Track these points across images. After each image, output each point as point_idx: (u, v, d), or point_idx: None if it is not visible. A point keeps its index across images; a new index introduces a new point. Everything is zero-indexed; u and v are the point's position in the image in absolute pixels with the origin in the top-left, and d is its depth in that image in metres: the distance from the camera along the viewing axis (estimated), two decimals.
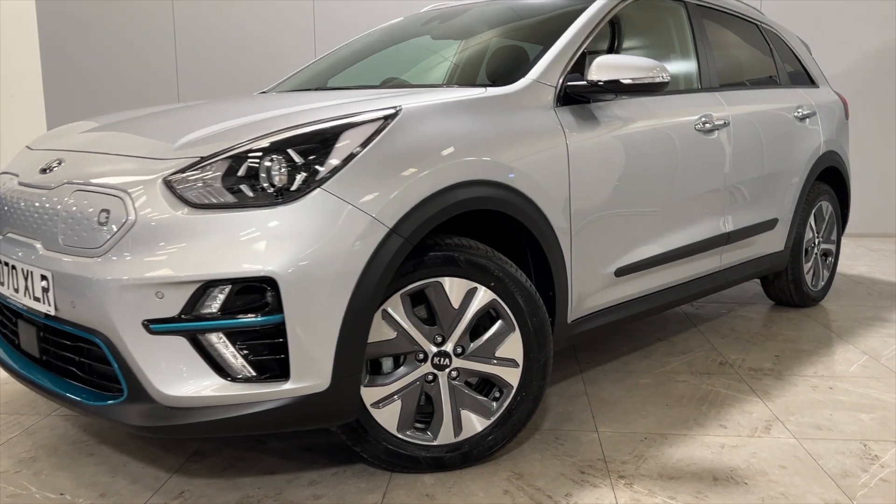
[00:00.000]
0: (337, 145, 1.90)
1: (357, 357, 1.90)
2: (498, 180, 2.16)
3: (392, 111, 2.03)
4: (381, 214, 1.88)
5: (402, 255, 1.93)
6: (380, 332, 2.05)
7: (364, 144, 1.93)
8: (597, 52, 2.69)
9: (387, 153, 1.95)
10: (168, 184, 1.85)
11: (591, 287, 2.60)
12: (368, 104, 2.10)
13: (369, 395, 2.08)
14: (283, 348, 1.81)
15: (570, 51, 2.57)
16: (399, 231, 1.91)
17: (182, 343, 1.80)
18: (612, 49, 2.96)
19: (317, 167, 1.87)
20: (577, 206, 2.44)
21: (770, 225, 3.57)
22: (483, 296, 2.14)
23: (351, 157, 1.90)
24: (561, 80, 2.49)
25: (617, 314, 2.76)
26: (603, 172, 2.54)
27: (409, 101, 2.12)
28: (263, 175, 1.85)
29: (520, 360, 2.21)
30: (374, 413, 2.10)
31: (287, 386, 1.83)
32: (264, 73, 6.19)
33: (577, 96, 2.53)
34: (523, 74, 2.47)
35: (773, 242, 3.66)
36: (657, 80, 2.47)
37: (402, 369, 2.12)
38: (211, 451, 2.32)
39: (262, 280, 1.78)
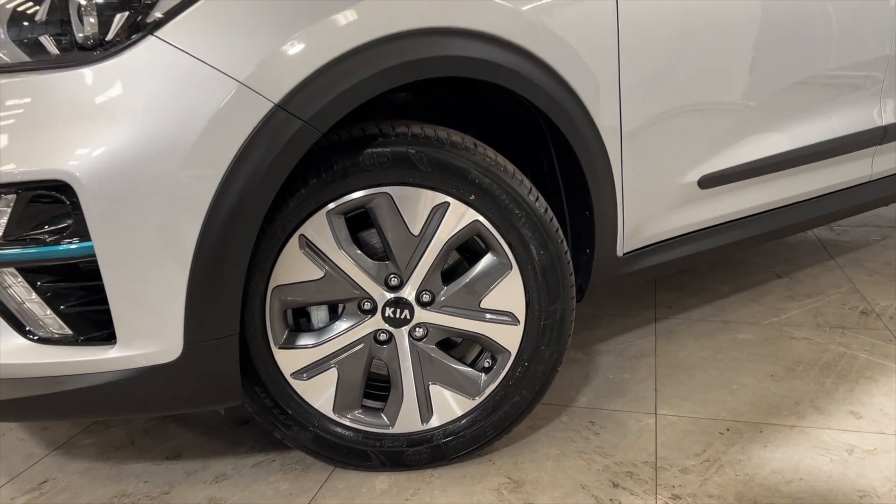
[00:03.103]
0: None
1: (228, 308, 1.22)
2: (489, 31, 1.34)
3: None
4: (256, 78, 1.14)
5: (300, 149, 1.20)
6: (299, 269, 1.35)
7: None
8: None
9: None
10: None
11: (657, 204, 1.75)
12: None
13: (288, 360, 1.41)
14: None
15: None
16: (291, 107, 1.17)
17: None
18: None
19: (148, 3, 1.15)
20: (632, 80, 1.58)
21: None
22: (458, 214, 1.38)
23: None
24: None
25: (701, 244, 1.90)
26: (673, 37, 1.64)
27: None
28: (70, 19, 1.15)
29: (520, 315, 1.45)
30: (297, 386, 1.43)
31: (113, 353, 1.17)
32: None
33: None
34: None
35: None
36: None
37: (338, 324, 1.43)
38: (119, 420, 1.75)
39: (56, 187, 1.11)
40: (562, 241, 1.44)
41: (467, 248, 1.46)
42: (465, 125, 1.65)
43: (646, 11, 1.57)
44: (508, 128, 1.65)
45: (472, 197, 1.37)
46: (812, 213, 2.18)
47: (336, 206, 1.34)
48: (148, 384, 1.20)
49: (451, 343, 1.53)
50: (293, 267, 1.35)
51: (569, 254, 1.47)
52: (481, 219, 1.39)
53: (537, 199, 1.41)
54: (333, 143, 1.32)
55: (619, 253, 1.72)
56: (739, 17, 1.77)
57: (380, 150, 1.33)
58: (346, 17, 1.19)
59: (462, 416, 1.48)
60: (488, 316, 1.44)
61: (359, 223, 1.41)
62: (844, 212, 2.31)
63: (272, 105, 1.16)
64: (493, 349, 1.48)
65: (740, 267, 2.65)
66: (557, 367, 1.50)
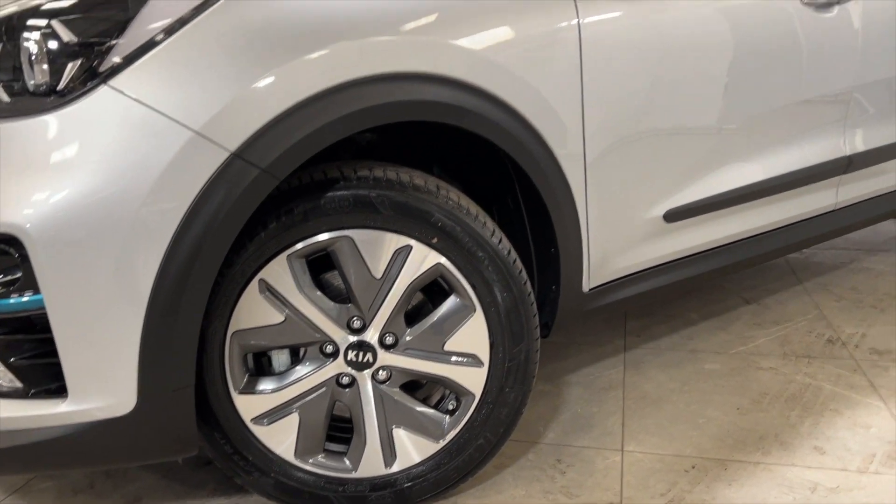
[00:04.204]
0: (141, 14, 1.15)
1: (184, 358, 1.20)
2: (447, 74, 1.34)
3: None
4: (212, 127, 1.13)
5: (258, 196, 1.19)
6: (259, 313, 1.34)
7: (193, 13, 1.16)
8: None
9: (234, 26, 1.18)
10: None
11: (622, 239, 1.76)
12: None
13: (248, 406, 1.38)
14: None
15: None
16: (248, 155, 1.15)
17: None
18: None
19: (102, 50, 1.13)
20: (596, 118, 1.58)
21: None
22: (421, 257, 1.37)
23: (159, 39, 1.14)
24: None
25: (668, 277, 1.90)
26: (642, 67, 1.65)
27: None
28: (21, 64, 1.13)
29: (484, 357, 1.44)
30: (258, 432, 1.40)
31: (64, 407, 1.15)
32: None
33: None
34: None
35: None
36: None
37: (300, 368, 1.41)
38: None
39: (4, 240, 1.09)
40: (525, 283, 1.44)
41: (431, 289, 1.45)
42: (434, 161, 1.65)
43: (611, 51, 1.58)
44: (475, 164, 1.65)
45: (435, 240, 1.36)
46: (779, 243, 2.20)
47: (297, 250, 1.33)
48: (101, 437, 1.17)
49: (416, 384, 1.52)
50: (253, 311, 1.33)
51: (532, 295, 1.46)
52: (444, 261, 1.38)
53: (500, 241, 1.41)
54: (294, 186, 1.31)
55: (585, 289, 1.72)
56: (705, 53, 1.78)
57: (341, 193, 1.32)
58: (302, 65, 1.18)
59: (426, 459, 1.47)
60: (452, 358, 1.43)
61: (321, 264, 1.39)
62: (810, 241, 2.34)
63: (228, 154, 1.14)
64: (457, 391, 1.47)
65: (709, 292, 2.66)
66: (522, 409, 1.49)
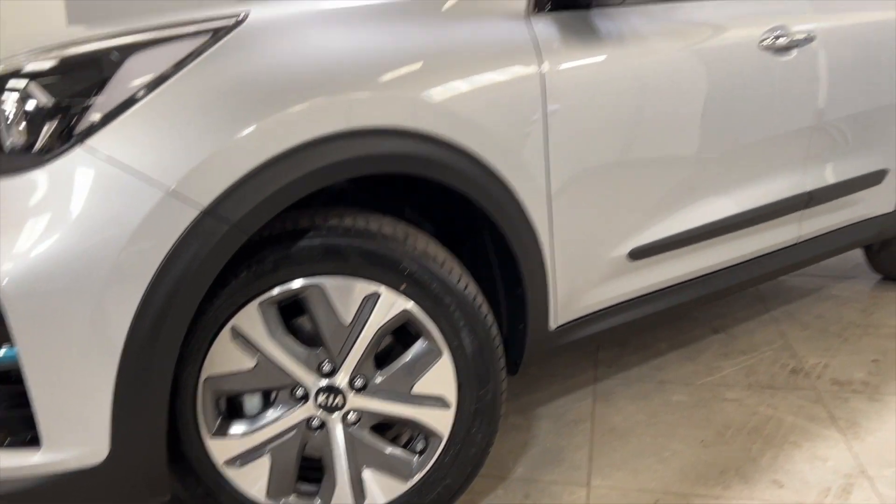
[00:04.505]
0: (116, 77, 1.19)
1: (156, 407, 1.23)
2: (411, 127, 1.39)
3: (227, 22, 1.29)
4: (185, 185, 1.17)
5: (229, 250, 1.23)
6: (231, 359, 1.37)
7: (167, 75, 1.21)
8: None
9: (207, 87, 1.23)
10: None
11: (589, 277, 1.81)
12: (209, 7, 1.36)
13: (221, 449, 1.42)
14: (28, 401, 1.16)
15: None
16: (220, 212, 1.20)
17: None
18: None
19: (77, 112, 1.17)
20: (561, 161, 1.64)
21: (876, 178, 2.60)
22: (390, 303, 1.41)
23: (137, 97, 1.19)
24: None
25: (634, 312, 1.96)
26: (605, 111, 1.71)
27: (273, 2, 1.38)
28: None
29: (451, 399, 1.49)
30: (230, 474, 1.44)
31: (37, 458, 1.18)
32: None
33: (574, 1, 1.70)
34: None
35: (880, 201, 2.69)
36: None
37: (271, 412, 1.45)
38: None
39: None
40: (491, 326, 1.49)
41: (401, 332, 1.49)
42: (407, 203, 1.70)
43: (575, 97, 1.64)
44: (448, 206, 1.70)
45: (403, 286, 1.41)
46: (744, 276, 2.27)
47: (268, 298, 1.37)
48: (74, 487, 1.20)
49: (386, 423, 1.56)
50: (225, 357, 1.37)
51: (499, 337, 1.51)
52: (412, 307, 1.42)
53: (466, 286, 1.46)
54: (265, 236, 1.35)
55: (552, 326, 1.77)
56: (667, 96, 1.85)
57: (311, 242, 1.36)
58: (268, 126, 1.23)
59: (395, 499, 1.50)
60: (420, 400, 1.48)
61: (293, 308, 1.43)
62: (775, 273, 2.40)
63: (200, 211, 1.19)
64: (425, 432, 1.51)
65: (679, 321, 2.72)
66: (489, 449, 1.54)
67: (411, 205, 1.74)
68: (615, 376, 2.31)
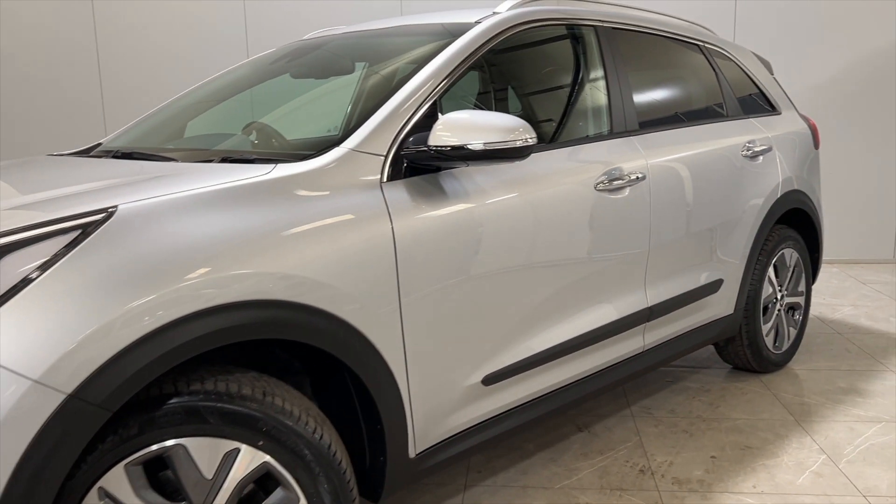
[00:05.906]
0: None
1: None
2: (270, 297, 1.57)
3: (97, 217, 1.45)
4: (50, 373, 1.30)
5: (93, 427, 1.36)
6: None
7: (38, 270, 1.35)
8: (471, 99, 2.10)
9: (77, 280, 1.37)
10: None
11: (444, 407, 2.01)
12: (81, 200, 1.52)
13: None
14: None
15: (408, 108, 1.97)
16: (84, 395, 1.33)
17: None
18: (489, 93, 2.36)
19: None
20: (412, 307, 1.85)
21: (712, 288, 2.95)
22: (249, 458, 1.56)
23: (9, 294, 1.32)
24: (394, 148, 1.90)
25: (491, 431, 2.17)
26: (450, 258, 1.94)
27: (137, 195, 1.54)
28: None
29: None
30: None
31: None
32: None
33: (424, 165, 1.94)
34: (338, 142, 1.88)
35: (718, 306, 3.04)
36: (517, 144, 1.87)
37: None
38: None
39: None
40: (345, 472, 1.65)
41: (263, 478, 1.64)
42: (278, 345, 1.85)
43: (424, 240, 1.85)
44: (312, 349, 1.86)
45: (261, 443, 1.56)
46: (595, 386, 2.52)
47: (133, 459, 1.49)
48: None
49: None
50: None
51: (353, 481, 1.68)
52: (270, 460, 1.57)
53: (321, 437, 1.62)
54: (130, 402, 1.48)
55: (412, 454, 1.95)
56: (511, 239, 2.09)
57: (174, 405, 1.50)
58: (130, 314, 1.38)
59: None
60: None
61: (158, 463, 1.56)
62: (625, 379, 2.67)
63: (65, 396, 1.32)
64: None
65: (548, 419, 2.94)
66: None
67: (282, 345, 1.90)
68: (483, 483, 2.50)
